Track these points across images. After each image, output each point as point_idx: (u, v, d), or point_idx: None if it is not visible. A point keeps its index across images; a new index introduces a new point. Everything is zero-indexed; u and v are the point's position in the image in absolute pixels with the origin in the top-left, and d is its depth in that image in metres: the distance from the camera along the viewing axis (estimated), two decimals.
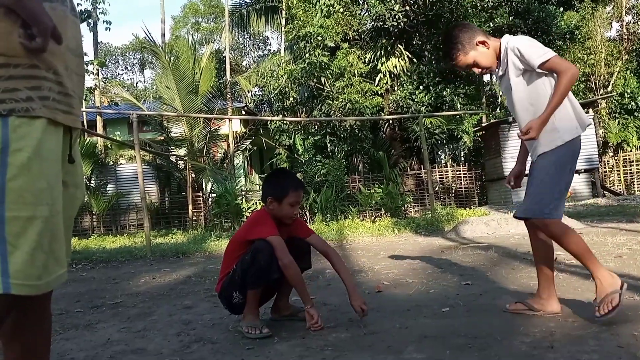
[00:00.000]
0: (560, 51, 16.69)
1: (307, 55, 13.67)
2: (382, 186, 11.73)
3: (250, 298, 2.57)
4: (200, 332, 2.70)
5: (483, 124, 14.43)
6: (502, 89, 2.64)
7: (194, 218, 13.85)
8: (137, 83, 41.58)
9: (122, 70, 42.15)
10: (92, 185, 14.37)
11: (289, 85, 14.14)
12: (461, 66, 2.56)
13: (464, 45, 2.48)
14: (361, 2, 15.00)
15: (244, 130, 16.61)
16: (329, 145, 14.63)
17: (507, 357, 1.93)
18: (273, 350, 2.25)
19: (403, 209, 11.52)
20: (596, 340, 2.06)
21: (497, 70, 2.56)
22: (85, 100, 20.65)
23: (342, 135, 14.33)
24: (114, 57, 41.25)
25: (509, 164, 12.45)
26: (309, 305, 2.55)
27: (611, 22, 20.51)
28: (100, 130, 16.49)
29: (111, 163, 16.29)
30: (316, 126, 15.09)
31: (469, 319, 2.60)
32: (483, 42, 2.48)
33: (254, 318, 2.57)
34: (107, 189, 14.74)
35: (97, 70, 19.81)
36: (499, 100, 18.87)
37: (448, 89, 13.60)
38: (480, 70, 2.55)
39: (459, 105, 13.47)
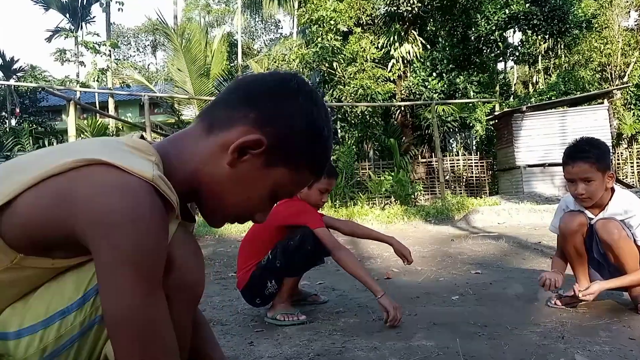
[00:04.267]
0: (576, 40, 16.47)
1: (319, 39, 13.56)
2: (393, 173, 11.69)
3: (286, 286, 2.46)
4: (210, 313, 2.71)
5: (496, 113, 14.27)
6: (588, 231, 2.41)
7: (200, 214, 13.92)
8: (149, 65, 41.62)
9: (135, 52, 42.17)
10: None
11: (301, 69, 14.05)
12: (576, 171, 2.27)
13: (603, 162, 2.26)
14: None
15: None
16: (339, 131, 14.58)
17: (516, 346, 1.91)
18: (282, 334, 2.25)
19: (413, 197, 11.47)
20: (608, 332, 2.04)
21: (593, 215, 2.37)
22: (97, 81, 20.72)
23: (353, 122, 14.26)
24: (126, 38, 41.26)
25: (521, 153, 12.33)
26: (380, 294, 2.30)
27: (629, 11, 20.12)
28: (112, 111, 16.58)
29: None
30: None
31: (479, 307, 2.59)
32: (611, 177, 2.29)
33: (287, 306, 2.48)
34: None
35: (110, 51, 19.83)
36: (513, 89, 18.67)
37: (461, 76, 13.45)
38: (581, 194, 2.28)
39: (472, 93, 13.33)
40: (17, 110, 23.65)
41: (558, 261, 2.57)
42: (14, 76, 28.91)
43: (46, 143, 17.73)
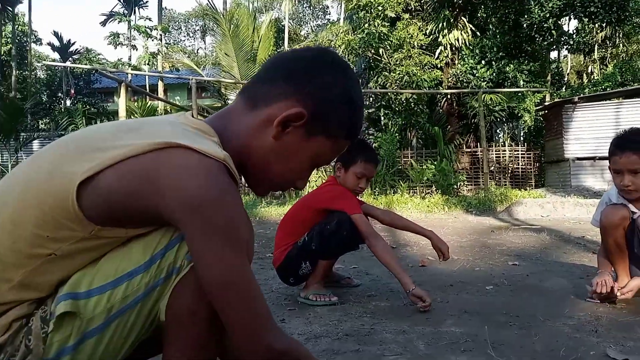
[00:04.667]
0: (636, 29, 15.67)
1: (366, 25, 13.43)
2: (435, 163, 11.53)
3: (320, 268, 2.51)
4: None
5: (546, 103, 13.79)
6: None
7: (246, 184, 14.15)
8: (197, 50, 42.36)
9: (185, 36, 43.04)
10: None
11: (346, 55, 13.98)
12: (624, 162, 2.23)
13: None
14: None
15: None
16: (382, 118, 14.45)
17: (547, 337, 1.90)
18: (313, 313, 2.31)
19: (455, 187, 11.29)
20: None
21: (636, 209, 2.31)
22: (148, 64, 21.28)
23: (397, 109, 14.10)
24: (177, 23, 42.12)
25: (571, 146, 11.91)
26: (412, 287, 2.29)
27: None
28: (161, 94, 17.03)
29: None
30: (371, 98, 14.92)
31: (513, 298, 2.57)
32: None
33: (320, 286, 2.53)
34: None
35: (161, 36, 20.30)
36: (565, 79, 17.99)
37: (511, 65, 13.04)
38: (628, 185, 2.23)
39: (521, 82, 12.92)
40: (72, 91, 24.65)
41: (603, 261, 2.50)
42: (70, 58, 30.11)
43: (98, 123, 18.36)
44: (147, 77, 20.04)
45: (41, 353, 0.82)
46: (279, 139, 0.98)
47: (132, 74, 18.43)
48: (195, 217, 0.81)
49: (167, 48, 25.77)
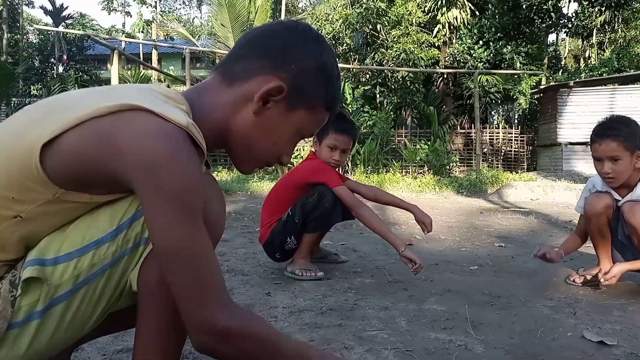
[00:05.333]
0: (635, 14, 15.58)
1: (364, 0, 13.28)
2: (429, 143, 11.54)
3: (306, 243, 2.54)
4: (233, 264, 2.82)
5: (541, 86, 13.77)
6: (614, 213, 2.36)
7: (232, 164, 14.12)
8: (193, 19, 41.66)
9: (180, 4, 42.23)
10: None
11: (344, 30, 13.84)
12: (604, 149, 2.22)
13: (632, 141, 2.17)
14: None
15: None
16: (378, 96, 14.40)
17: (526, 318, 1.94)
18: (299, 287, 2.34)
19: (448, 167, 11.34)
20: (622, 312, 2.04)
21: (620, 196, 2.31)
22: (142, 32, 20.96)
23: (392, 87, 14.04)
24: None
25: (564, 130, 11.95)
26: (402, 248, 2.34)
27: None
28: (155, 63, 16.82)
29: None
30: (367, 75, 14.82)
31: (496, 278, 2.61)
32: None
33: (306, 262, 2.56)
34: None
35: (155, 3, 19.94)
36: (562, 63, 17.92)
37: (509, 46, 12.98)
38: (608, 172, 2.23)
39: (518, 64, 12.88)
40: (65, 57, 24.26)
41: (572, 238, 2.59)
42: (63, 23, 29.49)
43: None
44: (140, 45, 19.76)
45: (9, 316, 0.83)
46: (259, 114, 0.98)
47: (125, 42, 18.18)
48: (148, 179, 0.80)
49: (161, 16, 25.34)
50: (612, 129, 2.23)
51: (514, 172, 11.45)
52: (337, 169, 2.70)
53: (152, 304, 0.90)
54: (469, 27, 13.60)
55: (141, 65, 15.20)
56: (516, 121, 16.14)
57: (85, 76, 23.34)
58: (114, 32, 24.09)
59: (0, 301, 0.83)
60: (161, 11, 27.87)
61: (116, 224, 0.88)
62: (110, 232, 0.88)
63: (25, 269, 0.84)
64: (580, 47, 23.21)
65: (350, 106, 15.11)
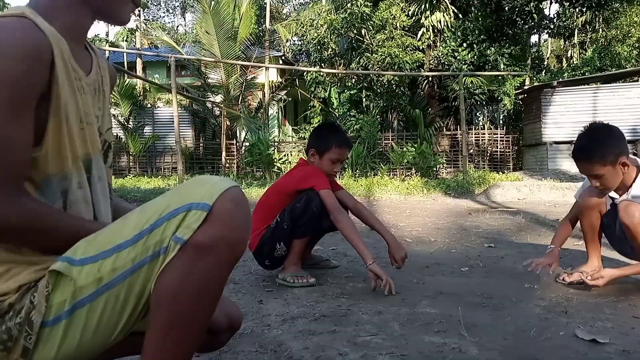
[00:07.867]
0: (615, 14, 15.81)
1: (348, 4, 13.31)
2: (416, 145, 11.59)
3: (295, 248, 2.53)
4: None
5: (525, 87, 13.90)
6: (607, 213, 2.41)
7: (227, 165, 14.05)
8: (177, 27, 41.51)
9: (164, 12, 42.06)
10: (129, 126, 14.66)
11: (329, 35, 13.86)
12: (582, 171, 2.27)
13: (608, 156, 2.18)
14: None
15: (280, 81, 16.52)
16: (364, 100, 14.43)
17: (518, 318, 1.95)
18: (291, 294, 2.33)
19: (435, 169, 11.39)
20: (612, 309, 2.06)
21: (615, 195, 2.34)
22: (126, 41, 20.82)
23: (378, 91, 14.08)
24: None
25: (549, 129, 12.07)
26: (370, 261, 2.32)
27: None
28: (139, 72, 16.69)
29: (149, 105, 16.51)
30: (353, 79, 14.86)
31: (487, 279, 2.62)
32: (625, 165, 2.20)
33: (297, 268, 2.55)
34: (144, 130, 15.02)
35: (139, 11, 19.82)
36: (545, 63, 18.12)
37: (493, 48, 13.09)
38: (597, 186, 2.27)
39: (502, 66, 12.99)
40: None
41: (563, 227, 2.63)
42: None
43: None
44: (125, 54, 19.63)
45: (43, 311, 0.86)
46: None
47: (109, 51, 18.05)
48: None
49: (145, 24, 25.21)
50: (583, 152, 2.24)
51: (500, 172, 11.53)
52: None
53: (160, 317, 0.88)
54: (453, 30, 13.70)
55: (126, 74, 15.10)
56: (501, 122, 16.26)
57: None
58: (98, 41, 23.90)
59: (37, 295, 0.87)
60: (145, 19, 27.72)
61: (139, 230, 0.89)
62: (132, 237, 0.89)
63: (56, 264, 0.88)
64: (562, 47, 23.52)
65: (337, 110, 15.12)
